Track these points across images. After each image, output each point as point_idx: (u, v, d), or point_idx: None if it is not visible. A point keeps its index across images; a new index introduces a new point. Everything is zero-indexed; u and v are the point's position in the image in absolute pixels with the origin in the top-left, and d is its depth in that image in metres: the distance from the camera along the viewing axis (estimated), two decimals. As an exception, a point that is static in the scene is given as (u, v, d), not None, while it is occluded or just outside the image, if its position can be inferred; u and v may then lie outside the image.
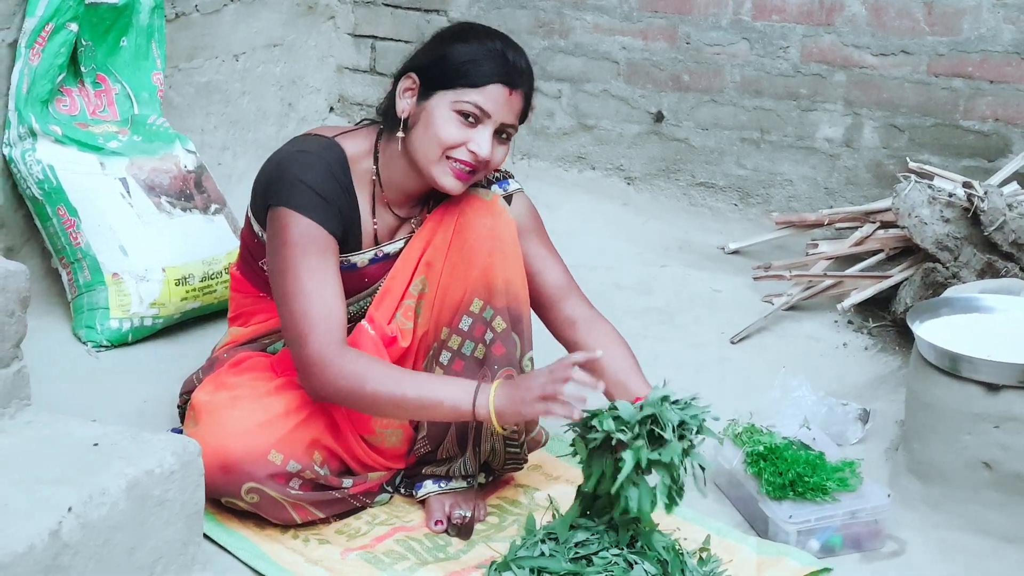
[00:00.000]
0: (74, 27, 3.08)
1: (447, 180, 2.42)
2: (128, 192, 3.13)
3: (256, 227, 2.52)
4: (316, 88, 4.38)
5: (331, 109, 4.46)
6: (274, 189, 2.40)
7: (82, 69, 3.20)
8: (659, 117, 4.12)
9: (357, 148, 2.49)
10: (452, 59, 2.38)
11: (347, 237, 2.46)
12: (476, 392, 2.24)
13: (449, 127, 2.37)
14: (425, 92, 2.40)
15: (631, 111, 4.15)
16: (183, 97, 3.72)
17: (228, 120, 3.93)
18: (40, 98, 3.06)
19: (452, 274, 2.46)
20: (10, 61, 3.05)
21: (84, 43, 3.17)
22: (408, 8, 4.36)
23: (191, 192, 3.26)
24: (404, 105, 2.43)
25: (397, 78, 2.47)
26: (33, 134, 3.05)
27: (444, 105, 2.37)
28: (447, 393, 2.26)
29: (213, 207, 3.29)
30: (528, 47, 4.27)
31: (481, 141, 2.38)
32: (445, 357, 2.46)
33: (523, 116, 2.46)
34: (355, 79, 4.47)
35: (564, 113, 4.23)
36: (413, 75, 2.42)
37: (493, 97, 2.37)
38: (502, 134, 2.42)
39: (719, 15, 3.97)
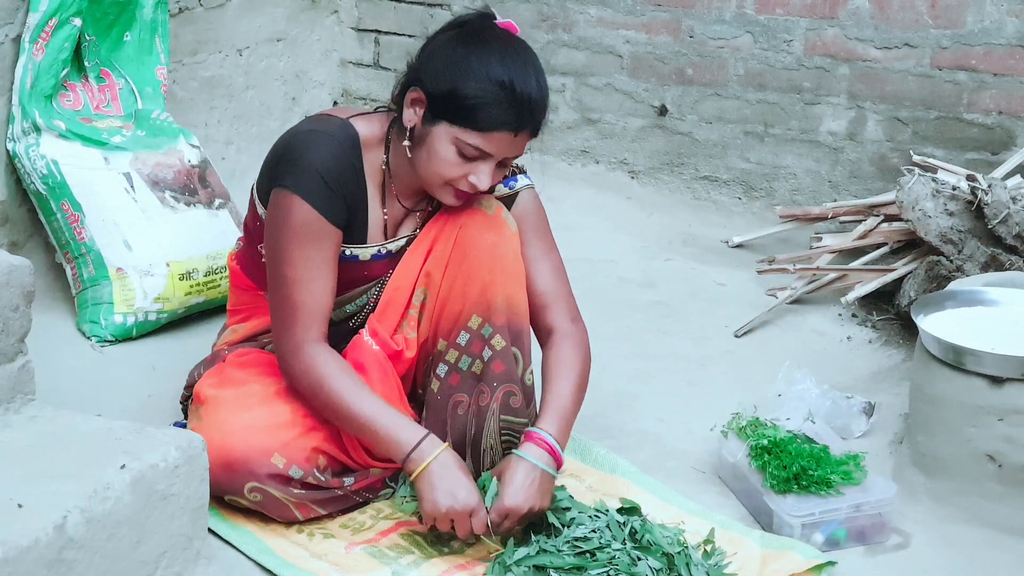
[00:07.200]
0: (78, 22, 3.08)
1: (447, 199, 2.41)
2: (132, 187, 3.13)
3: (260, 209, 2.48)
4: (320, 82, 4.38)
5: (335, 103, 4.46)
6: (281, 168, 2.37)
7: (86, 64, 3.20)
8: (663, 111, 4.11)
9: (371, 132, 2.44)
10: (460, 96, 2.29)
11: (352, 225, 2.43)
12: (421, 441, 2.30)
13: (450, 164, 2.33)
14: (431, 116, 2.33)
15: (635, 105, 4.15)
16: (187, 92, 3.71)
17: (232, 115, 3.93)
18: (44, 93, 3.06)
19: (451, 288, 2.43)
20: (14, 56, 3.05)
21: (88, 38, 3.17)
22: (411, 2, 4.35)
23: (195, 187, 3.26)
24: (410, 116, 2.36)
25: (408, 76, 2.40)
26: (37, 129, 3.05)
27: (447, 137, 2.31)
28: (394, 429, 2.31)
29: (217, 202, 3.29)
30: (532, 41, 4.27)
31: (481, 175, 2.34)
32: (442, 369, 2.45)
33: (534, 135, 2.39)
34: (359, 73, 4.47)
35: (568, 107, 4.23)
36: (421, 92, 2.34)
37: (496, 141, 2.31)
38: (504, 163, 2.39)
39: (723, 8, 3.97)
